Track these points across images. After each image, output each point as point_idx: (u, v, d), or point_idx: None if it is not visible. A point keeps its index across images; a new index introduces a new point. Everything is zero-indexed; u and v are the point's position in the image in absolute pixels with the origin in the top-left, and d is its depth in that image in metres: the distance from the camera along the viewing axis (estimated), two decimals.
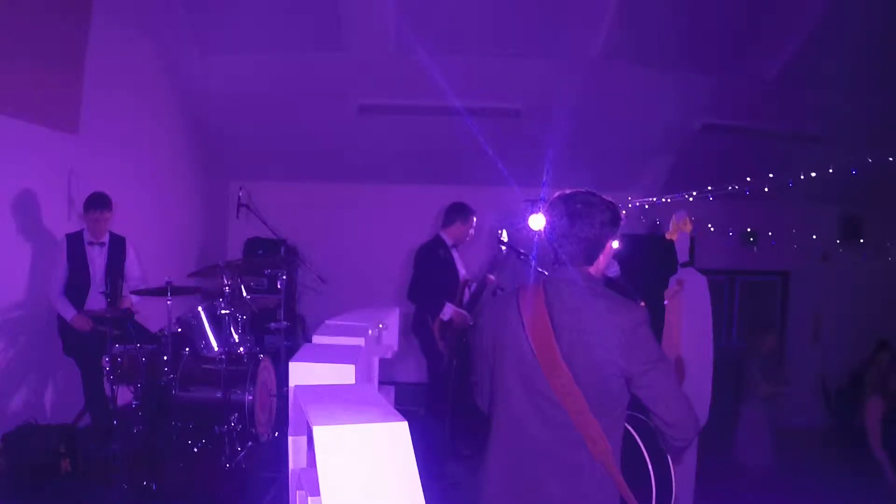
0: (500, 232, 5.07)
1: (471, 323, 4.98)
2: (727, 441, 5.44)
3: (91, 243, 4.78)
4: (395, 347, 3.85)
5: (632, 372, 1.93)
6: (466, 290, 5.23)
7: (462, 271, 5.30)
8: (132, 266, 5.00)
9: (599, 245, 2.08)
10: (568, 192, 2.10)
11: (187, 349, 4.72)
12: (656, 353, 1.97)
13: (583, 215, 2.04)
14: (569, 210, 2.05)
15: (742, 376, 5.56)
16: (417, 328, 5.26)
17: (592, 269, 2.10)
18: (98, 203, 4.71)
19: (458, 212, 5.32)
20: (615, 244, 2.14)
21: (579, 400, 1.93)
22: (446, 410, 5.23)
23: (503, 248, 5.06)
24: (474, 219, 5.30)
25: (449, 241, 5.26)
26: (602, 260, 2.11)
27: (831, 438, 6.58)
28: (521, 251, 5.25)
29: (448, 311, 5.06)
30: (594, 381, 1.95)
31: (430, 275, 5.17)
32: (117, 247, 4.91)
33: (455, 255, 5.29)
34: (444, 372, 5.21)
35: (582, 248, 2.06)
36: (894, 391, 5.01)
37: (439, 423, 5.13)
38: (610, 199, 2.11)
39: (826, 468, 5.67)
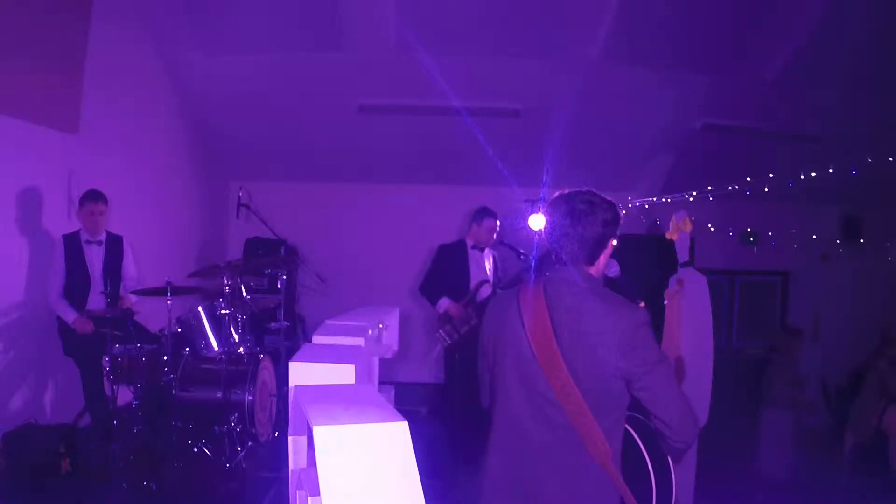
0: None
1: (472, 322, 5.02)
2: (745, 447, 5.39)
3: (88, 242, 4.78)
4: (395, 347, 3.85)
5: (631, 373, 1.93)
6: (486, 289, 5.26)
7: (480, 272, 5.39)
8: (129, 266, 5.00)
9: (602, 244, 2.08)
10: (568, 191, 2.09)
11: (187, 349, 4.71)
12: (656, 354, 1.96)
13: (586, 214, 2.04)
14: (571, 210, 2.05)
15: (764, 380, 5.49)
16: None
17: (593, 269, 2.10)
18: (93, 195, 4.75)
19: (472, 215, 5.50)
20: (614, 243, 2.14)
21: (578, 401, 1.93)
22: (451, 408, 5.28)
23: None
24: (492, 220, 5.41)
25: (470, 243, 5.43)
26: (602, 259, 2.11)
27: (831, 438, 6.56)
28: (521, 251, 5.27)
29: (443, 304, 5.20)
30: (594, 381, 1.95)
31: (439, 271, 5.39)
32: (114, 245, 4.92)
33: (477, 256, 5.42)
34: (445, 365, 5.35)
35: (584, 247, 2.06)
36: None
37: (444, 423, 5.18)
38: (609, 198, 2.11)
39: (826, 468, 5.67)
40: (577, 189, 2.09)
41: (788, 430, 5.34)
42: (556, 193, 2.12)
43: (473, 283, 5.32)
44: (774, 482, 5.12)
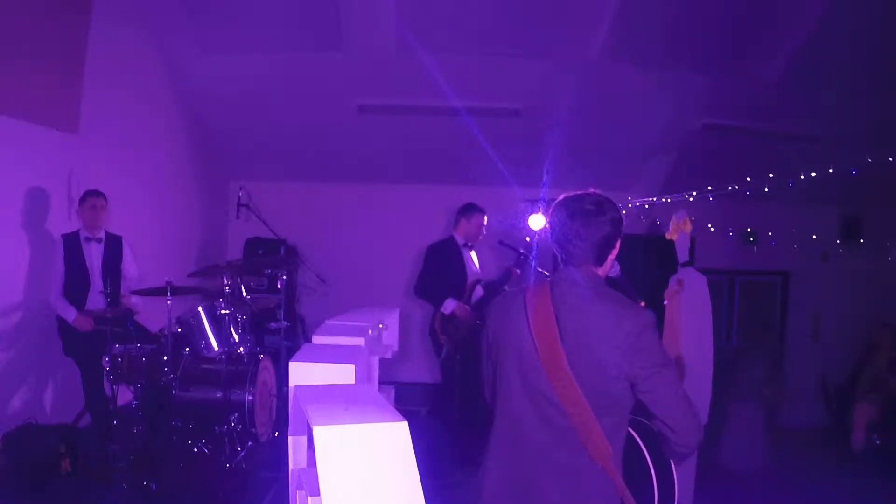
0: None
1: (478, 321, 5.00)
2: (714, 442, 5.43)
3: (88, 239, 4.79)
4: (395, 347, 3.85)
5: (635, 375, 1.92)
6: (478, 288, 5.25)
7: (474, 270, 5.36)
8: (129, 265, 5.01)
9: (611, 244, 2.08)
10: (574, 193, 2.08)
11: (187, 349, 4.72)
12: (661, 357, 1.95)
13: (596, 215, 2.03)
14: (581, 211, 2.03)
15: (737, 376, 5.56)
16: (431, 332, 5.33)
17: (601, 270, 2.09)
18: (93, 191, 4.78)
19: (462, 211, 5.43)
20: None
21: (581, 401, 1.92)
22: (452, 409, 5.24)
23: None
24: (482, 216, 5.38)
25: (460, 241, 5.36)
26: (610, 260, 2.10)
27: (831, 438, 6.57)
28: (522, 251, 5.26)
29: (449, 305, 5.11)
30: (597, 383, 1.94)
31: (436, 271, 5.28)
32: (114, 245, 4.93)
33: (468, 254, 5.36)
34: (444, 366, 5.26)
35: (595, 248, 2.05)
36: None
37: (444, 424, 5.14)
38: (609, 197, 2.10)
39: (826, 468, 5.67)
40: (583, 191, 2.08)
41: (757, 424, 5.41)
42: (562, 196, 2.10)
43: (469, 281, 5.29)
44: (744, 474, 5.16)
